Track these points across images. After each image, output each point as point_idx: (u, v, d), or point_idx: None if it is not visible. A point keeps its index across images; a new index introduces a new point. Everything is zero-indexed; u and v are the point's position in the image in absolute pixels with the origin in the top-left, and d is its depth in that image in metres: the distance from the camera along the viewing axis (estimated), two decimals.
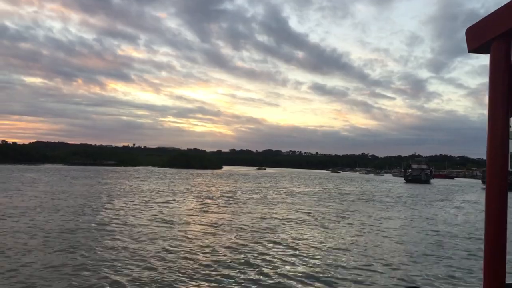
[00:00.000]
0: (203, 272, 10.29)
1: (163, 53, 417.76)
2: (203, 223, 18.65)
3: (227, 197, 33.95)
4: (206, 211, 23.21)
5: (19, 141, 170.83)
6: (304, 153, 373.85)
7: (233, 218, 20.54)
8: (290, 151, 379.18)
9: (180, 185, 48.20)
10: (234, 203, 28.46)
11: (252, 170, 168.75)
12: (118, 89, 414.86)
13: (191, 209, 24.05)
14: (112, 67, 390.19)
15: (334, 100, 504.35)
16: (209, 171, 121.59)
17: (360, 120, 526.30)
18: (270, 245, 14.00)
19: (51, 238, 13.83)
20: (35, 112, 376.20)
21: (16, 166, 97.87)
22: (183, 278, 9.72)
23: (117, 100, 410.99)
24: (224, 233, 16.00)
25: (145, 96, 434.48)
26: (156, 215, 20.64)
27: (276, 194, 39.90)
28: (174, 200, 29.52)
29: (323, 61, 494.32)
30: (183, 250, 12.65)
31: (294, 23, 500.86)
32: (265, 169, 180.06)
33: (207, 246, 13.35)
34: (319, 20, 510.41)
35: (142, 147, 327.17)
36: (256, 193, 39.40)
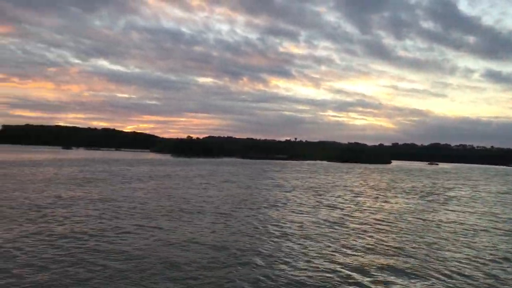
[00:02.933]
0: None
1: (323, 47, 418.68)
2: (483, 226, 18.26)
3: (445, 194, 32.76)
4: (457, 211, 22.72)
5: (194, 136, 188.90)
6: (477, 147, 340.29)
7: (496, 219, 19.71)
8: (460, 144, 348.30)
9: (380, 181, 48.01)
10: (463, 202, 27.35)
11: (422, 165, 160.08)
12: (280, 85, 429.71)
13: (449, 210, 23.77)
14: (274, 64, 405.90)
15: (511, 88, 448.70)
16: (380, 166, 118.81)
17: None
18: None
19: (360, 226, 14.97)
20: (207, 109, 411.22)
21: (200, 159, 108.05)
22: None
23: (279, 96, 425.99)
24: None
25: (306, 91, 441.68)
26: (417, 213, 20.87)
27: (500, 193, 37.15)
28: (409, 197, 29.52)
29: (499, 45, 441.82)
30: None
31: (464, 7, 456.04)
32: (437, 164, 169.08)
33: None
34: (493, 0, 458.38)
35: (304, 141, 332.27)
36: (467, 191, 37.21)
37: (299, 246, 12.43)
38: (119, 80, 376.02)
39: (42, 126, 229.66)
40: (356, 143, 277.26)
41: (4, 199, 19.52)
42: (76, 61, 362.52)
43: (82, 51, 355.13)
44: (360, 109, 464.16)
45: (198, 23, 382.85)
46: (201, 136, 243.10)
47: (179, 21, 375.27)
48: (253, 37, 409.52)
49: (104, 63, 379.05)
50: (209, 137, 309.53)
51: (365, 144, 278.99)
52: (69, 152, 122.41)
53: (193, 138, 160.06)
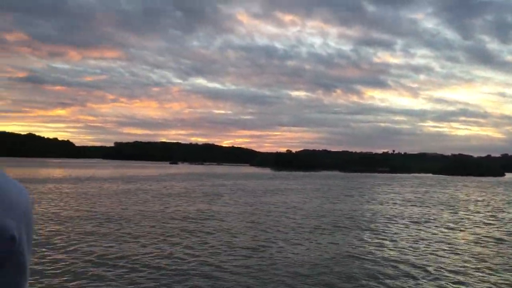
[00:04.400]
0: None
1: (421, 55, 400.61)
2: None
3: None
4: None
5: (288, 150, 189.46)
6: None
7: None
8: None
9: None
10: None
11: None
12: (375, 96, 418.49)
13: None
14: (368, 75, 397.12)
15: None
16: (494, 179, 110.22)
17: None
18: None
19: None
20: (300, 123, 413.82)
21: (301, 172, 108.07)
22: None
23: (374, 107, 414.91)
24: None
25: (402, 101, 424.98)
26: None
27: None
28: None
29: None
30: None
31: None
32: None
33: None
34: None
35: (402, 153, 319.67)
36: None
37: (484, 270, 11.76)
38: (216, 97, 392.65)
39: (149, 143, 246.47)
40: (460, 155, 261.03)
41: (154, 212, 20.94)
42: (177, 80, 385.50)
43: (182, 71, 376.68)
44: (463, 118, 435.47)
45: (290, 38, 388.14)
46: (296, 150, 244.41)
47: (272, 37, 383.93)
48: (346, 48, 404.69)
49: (202, 81, 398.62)
50: (304, 150, 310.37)
51: (471, 156, 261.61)
52: (177, 166, 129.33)
53: (292, 151, 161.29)
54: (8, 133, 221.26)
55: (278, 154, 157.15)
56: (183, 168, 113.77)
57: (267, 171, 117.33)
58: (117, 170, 79.68)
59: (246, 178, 64.16)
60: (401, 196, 37.77)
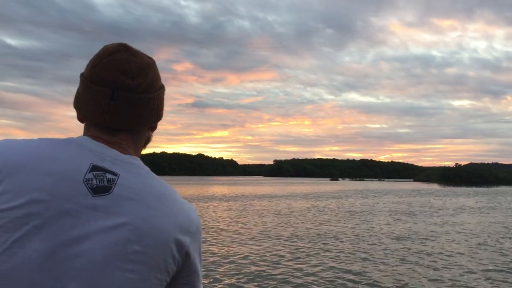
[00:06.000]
0: None
1: None
2: None
3: None
4: None
5: (451, 164, 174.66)
6: None
7: None
8: None
9: None
10: None
11: None
12: None
13: None
14: None
15: None
16: None
17: None
18: None
19: None
20: (464, 134, 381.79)
21: (473, 188, 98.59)
22: None
23: None
24: None
25: None
26: None
27: None
28: None
29: None
30: None
31: None
32: None
33: None
34: None
35: None
36: None
37: None
38: (369, 111, 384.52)
39: (306, 159, 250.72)
40: None
41: (363, 230, 20.49)
42: (329, 97, 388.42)
43: (335, 87, 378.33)
44: None
45: (449, 44, 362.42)
46: (461, 163, 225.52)
47: (429, 45, 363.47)
48: None
49: (354, 96, 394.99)
50: (470, 163, 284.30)
51: None
52: (339, 183, 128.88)
53: (461, 165, 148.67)
54: (181, 154, 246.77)
55: (446, 169, 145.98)
56: (345, 184, 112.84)
57: (435, 186, 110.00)
58: (284, 187, 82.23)
59: (420, 194, 60.60)
60: None
